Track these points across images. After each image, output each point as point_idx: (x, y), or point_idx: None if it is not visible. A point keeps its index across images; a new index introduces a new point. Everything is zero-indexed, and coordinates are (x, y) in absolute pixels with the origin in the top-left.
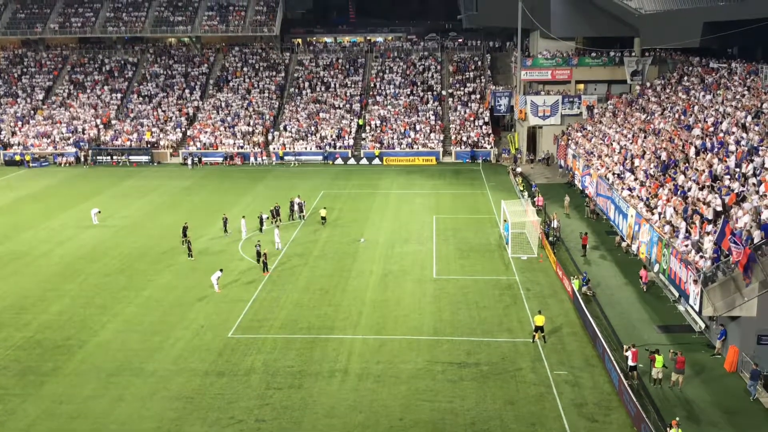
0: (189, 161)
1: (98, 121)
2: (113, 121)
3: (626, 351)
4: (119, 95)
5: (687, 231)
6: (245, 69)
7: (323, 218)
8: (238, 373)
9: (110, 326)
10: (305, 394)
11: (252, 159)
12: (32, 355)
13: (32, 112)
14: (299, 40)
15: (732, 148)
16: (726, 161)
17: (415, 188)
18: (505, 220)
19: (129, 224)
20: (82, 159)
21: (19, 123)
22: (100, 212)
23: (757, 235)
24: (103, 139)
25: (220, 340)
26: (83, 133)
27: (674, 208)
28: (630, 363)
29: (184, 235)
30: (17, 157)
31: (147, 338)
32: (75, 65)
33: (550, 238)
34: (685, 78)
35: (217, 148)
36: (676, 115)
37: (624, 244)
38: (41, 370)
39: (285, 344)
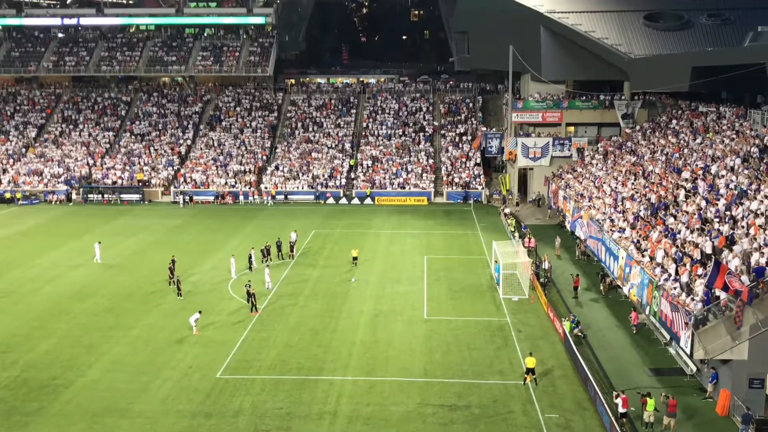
0: (180, 199)
1: (90, 159)
2: (105, 159)
3: (616, 398)
4: (111, 133)
5: (677, 273)
6: (238, 109)
7: (354, 258)
8: (226, 414)
9: (97, 366)
10: None
11: (242, 198)
12: (18, 394)
13: (24, 149)
14: (292, 81)
15: (722, 191)
16: (716, 204)
17: (406, 228)
18: (496, 261)
19: (118, 263)
20: (73, 197)
21: (11, 160)
22: (100, 243)
23: (746, 279)
24: (95, 177)
25: (208, 380)
26: (74, 171)
27: (664, 251)
28: (620, 410)
29: (171, 275)
30: (7, 195)
31: (134, 378)
32: (68, 103)
33: (541, 280)
34: (674, 121)
35: (208, 187)
36: (666, 158)
37: (608, 280)
38: (26, 410)
39: (274, 385)
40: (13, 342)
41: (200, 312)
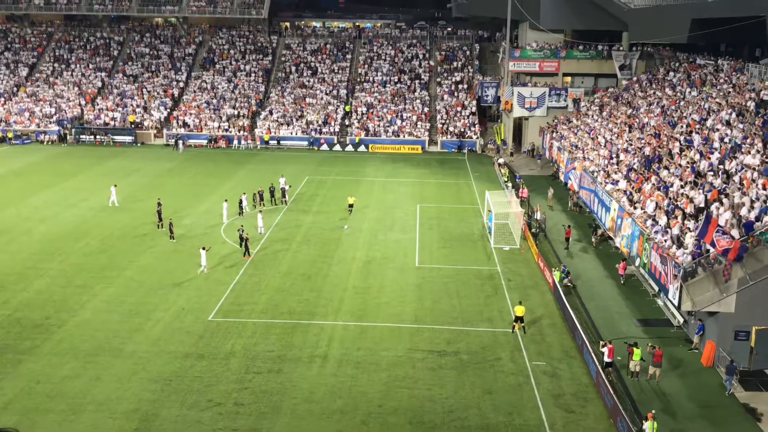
0: (180, 145)
1: (82, 99)
2: (97, 100)
3: (602, 347)
4: (104, 74)
5: (668, 225)
6: (232, 51)
7: (351, 206)
8: (217, 356)
9: (90, 306)
10: (284, 378)
11: (236, 142)
12: (10, 333)
13: (15, 88)
14: (287, 24)
15: (716, 144)
16: (709, 158)
17: (400, 176)
18: (489, 211)
19: (112, 204)
20: (65, 137)
21: (2, 99)
22: (116, 186)
23: (736, 233)
24: (87, 118)
25: (200, 323)
26: (66, 112)
27: (656, 203)
28: (606, 359)
29: (159, 218)
30: None
31: (127, 319)
32: (59, 42)
33: (533, 230)
34: (672, 74)
35: (201, 131)
36: (662, 110)
37: (599, 232)
38: (19, 349)
39: (265, 329)
40: (6, 281)
41: (203, 248)
